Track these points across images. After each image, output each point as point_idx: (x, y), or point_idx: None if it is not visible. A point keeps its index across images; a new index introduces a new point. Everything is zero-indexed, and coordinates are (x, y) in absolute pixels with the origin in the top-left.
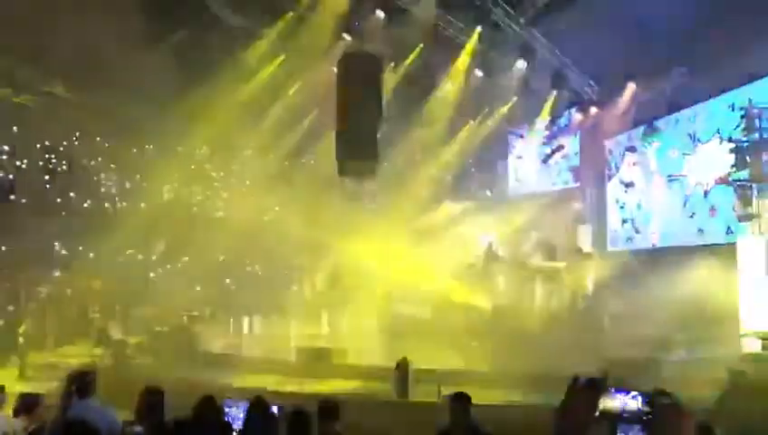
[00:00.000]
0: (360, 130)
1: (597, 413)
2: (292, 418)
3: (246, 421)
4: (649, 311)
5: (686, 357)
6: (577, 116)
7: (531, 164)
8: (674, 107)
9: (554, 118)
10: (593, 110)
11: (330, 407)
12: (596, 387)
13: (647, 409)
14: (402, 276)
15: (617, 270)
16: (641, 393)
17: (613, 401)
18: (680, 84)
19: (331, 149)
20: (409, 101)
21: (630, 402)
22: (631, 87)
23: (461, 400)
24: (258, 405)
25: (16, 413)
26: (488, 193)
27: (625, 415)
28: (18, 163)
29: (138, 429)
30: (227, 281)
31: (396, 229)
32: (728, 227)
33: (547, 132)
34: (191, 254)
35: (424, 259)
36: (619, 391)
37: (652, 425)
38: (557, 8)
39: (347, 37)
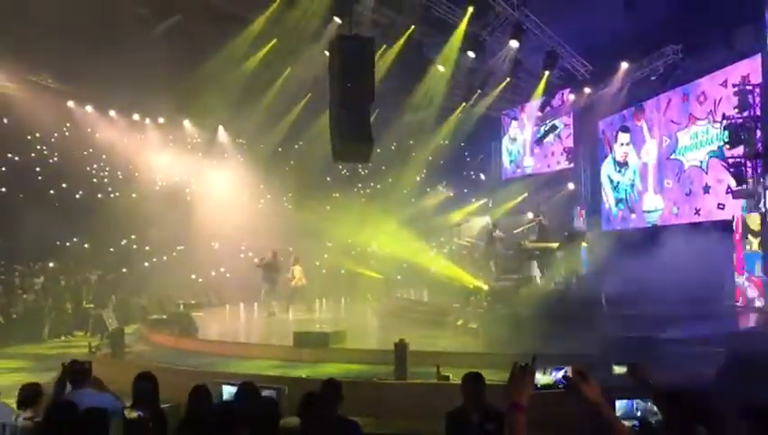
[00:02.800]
0: (353, 114)
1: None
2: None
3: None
4: (646, 290)
5: (683, 335)
6: (570, 96)
7: (524, 146)
8: (667, 85)
9: (547, 98)
10: (586, 90)
11: (332, 388)
12: (528, 368)
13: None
14: (398, 260)
15: (612, 250)
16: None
17: (549, 377)
18: (673, 62)
19: (325, 134)
20: (401, 84)
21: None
22: (624, 66)
23: (476, 380)
24: (246, 390)
25: (19, 404)
26: (482, 176)
27: (560, 386)
28: (10, 155)
29: (138, 412)
30: (222, 269)
31: (390, 213)
32: (719, 204)
33: (540, 113)
34: (185, 242)
35: (419, 242)
36: (555, 369)
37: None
38: None
39: (337, 20)
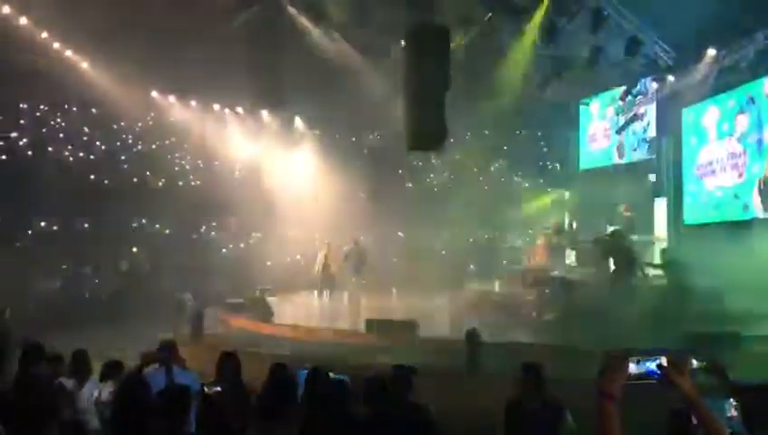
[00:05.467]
0: (428, 103)
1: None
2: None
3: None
4: (730, 285)
5: None
6: (652, 85)
7: (603, 136)
8: (758, 72)
9: (628, 87)
10: (670, 78)
11: (404, 374)
12: (621, 356)
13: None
14: (470, 249)
15: (696, 243)
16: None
17: (642, 368)
18: (765, 48)
19: (399, 123)
20: (477, 73)
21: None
22: (711, 52)
23: (532, 370)
24: (316, 374)
25: (103, 378)
26: (558, 166)
27: (653, 377)
28: (98, 143)
29: (217, 387)
30: (297, 256)
31: (462, 203)
32: None
33: (621, 102)
34: (262, 229)
35: (492, 233)
36: (648, 359)
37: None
38: None
39: (413, 9)
